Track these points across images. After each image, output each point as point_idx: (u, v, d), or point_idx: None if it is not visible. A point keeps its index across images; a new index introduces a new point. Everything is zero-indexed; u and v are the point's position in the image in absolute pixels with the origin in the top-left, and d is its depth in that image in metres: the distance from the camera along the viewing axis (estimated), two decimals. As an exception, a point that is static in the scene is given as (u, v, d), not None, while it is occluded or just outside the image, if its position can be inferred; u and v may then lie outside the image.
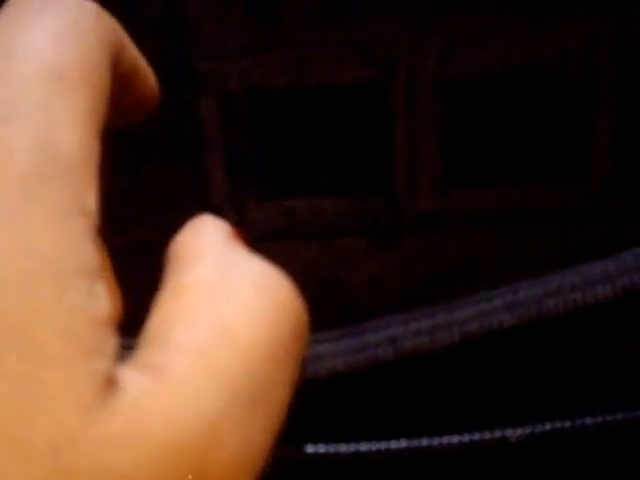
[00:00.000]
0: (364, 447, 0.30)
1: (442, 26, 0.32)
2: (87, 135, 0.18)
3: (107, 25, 0.22)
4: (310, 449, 0.30)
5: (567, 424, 0.28)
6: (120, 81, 0.22)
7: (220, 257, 0.18)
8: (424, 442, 0.29)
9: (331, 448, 0.30)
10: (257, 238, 0.34)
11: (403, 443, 0.30)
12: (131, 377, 0.16)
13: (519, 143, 0.33)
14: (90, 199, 0.17)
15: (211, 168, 0.34)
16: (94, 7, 0.22)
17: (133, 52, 0.23)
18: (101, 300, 0.16)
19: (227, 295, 0.18)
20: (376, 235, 0.34)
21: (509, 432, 0.28)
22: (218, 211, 0.34)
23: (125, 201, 0.34)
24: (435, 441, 0.29)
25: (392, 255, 0.34)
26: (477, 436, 0.29)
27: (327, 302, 0.34)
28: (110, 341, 0.16)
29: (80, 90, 0.19)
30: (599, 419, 0.28)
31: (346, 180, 0.34)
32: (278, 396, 0.18)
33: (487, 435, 0.28)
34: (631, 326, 0.28)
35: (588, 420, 0.28)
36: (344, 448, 0.30)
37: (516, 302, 0.28)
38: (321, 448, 0.30)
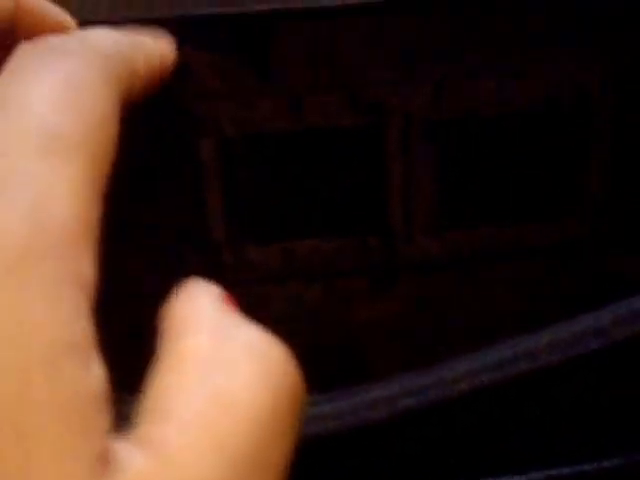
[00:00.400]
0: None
1: (433, 68, 0.32)
2: (85, 202, 0.18)
3: (117, 64, 0.21)
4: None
5: (566, 471, 0.28)
6: (135, 86, 0.22)
7: (215, 327, 0.19)
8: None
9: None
10: (256, 279, 0.34)
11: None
12: (130, 454, 0.16)
13: (514, 182, 0.34)
14: (86, 269, 0.17)
15: (210, 210, 0.34)
16: (100, 51, 0.21)
17: (152, 64, 0.23)
18: (95, 375, 0.16)
19: (224, 366, 0.18)
20: (374, 275, 0.34)
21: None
22: (217, 253, 0.34)
23: (123, 237, 0.35)
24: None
25: (390, 295, 0.34)
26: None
27: (327, 342, 0.34)
28: (106, 416, 0.16)
29: (79, 155, 0.19)
30: (598, 465, 0.28)
31: (344, 221, 0.34)
32: (278, 462, 0.18)
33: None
34: (626, 372, 0.29)
35: (586, 466, 0.28)
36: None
37: (507, 359, 0.28)
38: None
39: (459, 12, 0.31)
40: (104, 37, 0.22)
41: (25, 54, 0.21)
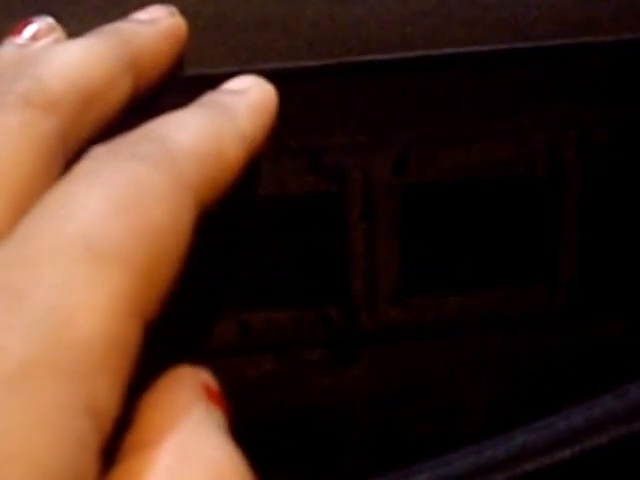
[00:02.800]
0: None
1: (396, 134, 0.31)
2: (121, 321, 0.16)
3: (195, 170, 0.20)
4: None
5: None
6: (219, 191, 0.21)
7: (183, 440, 0.17)
8: None
9: None
10: (212, 352, 0.33)
11: None
12: None
13: (481, 248, 0.32)
14: (103, 395, 0.15)
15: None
16: (177, 155, 0.20)
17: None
18: None
19: None
20: (334, 347, 0.32)
21: None
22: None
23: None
24: None
25: (351, 367, 0.33)
26: None
27: (284, 416, 0.33)
28: None
29: (126, 267, 0.16)
30: None
31: (302, 291, 0.32)
32: None
33: None
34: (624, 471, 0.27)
35: None
36: None
37: (494, 463, 0.26)
38: None
39: (425, 77, 0.30)
40: (184, 137, 0.20)
41: (93, 157, 0.19)
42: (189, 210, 0.19)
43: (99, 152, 0.19)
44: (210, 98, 0.25)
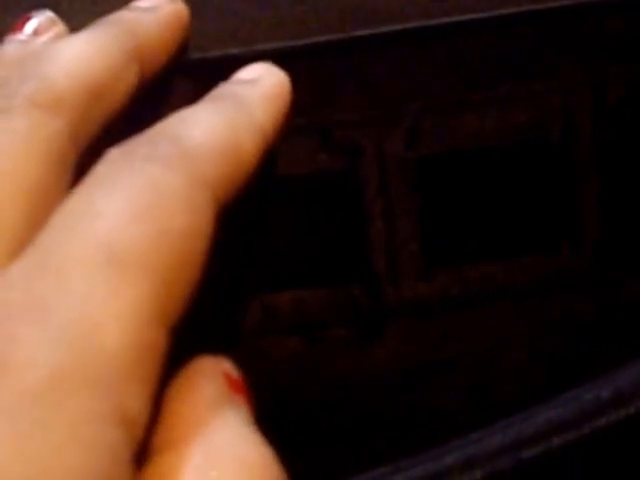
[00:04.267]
0: None
1: (409, 105, 0.30)
2: (146, 328, 0.16)
3: (212, 167, 0.19)
4: None
5: None
6: (236, 187, 0.21)
7: (210, 437, 0.17)
8: None
9: None
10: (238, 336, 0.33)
11: None
12: None
13: (501, 217, 0.32)
14: (134, 405, 0.15)
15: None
16: (193, 153, 0.19)
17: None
18: None
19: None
20: (360, 325, 0.32)
21: None
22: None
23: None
24: None
25: (377, 344, 0.32)
26: None
27: (314, 396, 0.33)
28: None
29: (148, 273, 0.16)
30: None
31: (324, 271, 0.32)
32: None
33: None
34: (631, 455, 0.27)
35: None
36: None
37: (500, 448, 0.26)
38: None
39: (436, 46, 0.30)
40: (199, 134, 0.20)
41: (108, 161, 0.19)
42: (209, 210, 0.19)
43: (114, 155, 0.19)
44: (222, 90, 0.25)
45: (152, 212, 0.17)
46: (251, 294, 0.31)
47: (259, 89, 0.25)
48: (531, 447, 0.26)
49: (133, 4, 0.27)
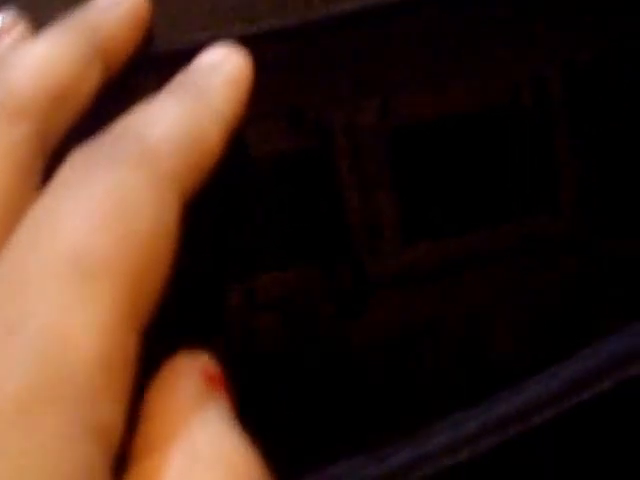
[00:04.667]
0: None
1: (377, 81, 0.30)
2: (117, 337, 0.16)
3: (175, 162, 0.19)
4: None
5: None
6: (199, 179, 0.21)
7: (192, 438, 0.17)
8: None
9: None
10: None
11: None
12: None
13: (477, 185, 0.32)
14: (109, 414, 0.15)
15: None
16: (155, 149, 0.19)
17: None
18: None
19: None
20: (343, 300, 0.32)
21: None
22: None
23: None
24: None
25: (362, 318, 0.32)
26: None
27: (300, 372, 0.33)
28: None
29: (116, 281, 0.16)
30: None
31: (304, 251, 0.32)
32: None
33: None
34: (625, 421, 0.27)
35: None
36: None
37: (490, 425, 0.26)
38: None
39: (401, 21, 0.30)
40: (160, 130, 0.20)
41: (71, 166, 0.19)
42: (174, 206, 0.19)
43: (76, 160, 0.19)
44: (182, 79, 0.25)
45: (118, 218, 0.17)
46: (231, 278, 0.31)
47: (219, 75, 0.25)
48: (515, 425, 0.26)
49: (93, 2, 0.27)
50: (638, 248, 0.33)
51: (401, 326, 0.33)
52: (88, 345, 0.15)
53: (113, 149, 0.19)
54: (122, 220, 0.17)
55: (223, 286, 0.31)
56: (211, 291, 0.31)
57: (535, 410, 0.26)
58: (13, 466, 0.14)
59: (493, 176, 0.32)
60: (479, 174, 0.32)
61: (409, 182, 0.32)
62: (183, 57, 0.27)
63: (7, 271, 0.16)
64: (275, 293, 0.32)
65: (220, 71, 0.25)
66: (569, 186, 0.32)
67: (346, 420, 0.33)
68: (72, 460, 0.14)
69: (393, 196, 0.32)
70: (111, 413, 0.16)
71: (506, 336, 0.32)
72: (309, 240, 0.32)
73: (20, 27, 0.27)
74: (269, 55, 0.29)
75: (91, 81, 0.24)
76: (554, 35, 0.31)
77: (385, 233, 0.32)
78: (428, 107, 0.31)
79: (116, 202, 0.17)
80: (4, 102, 0.21)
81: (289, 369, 0.32)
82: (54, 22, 0.27)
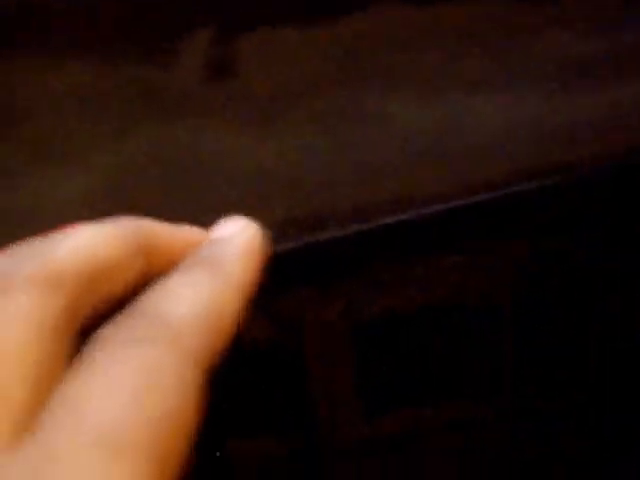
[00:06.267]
0: None
1: (344, 282, 0.34)
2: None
3: (199, 341, 0.20)
4: None
5: None
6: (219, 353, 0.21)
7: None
8: None
9: None
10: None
11: None
12: None
13: (431, 368, 0.36)
14: None
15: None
16: (182, 332, 0.20)
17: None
18: None
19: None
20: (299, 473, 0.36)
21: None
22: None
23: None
24: None
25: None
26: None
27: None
28: None
29: (142, 455, 0.17)
30: None
31: (269, 422, 0.36)
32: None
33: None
34: None
35: None
36: None
37: None
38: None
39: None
40: (181, 308, 0.21)
41: (98, 345, 0.19)
42: (198, 382, 0.19)
43: (103, 338, 0.19)
44: (200, 255, 0.24)
45: (146, 397, 0.18)
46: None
47: (234, 247, 0.24)
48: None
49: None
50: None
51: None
52: None
53: (138, 329, 0.20)
54: (151, 399, 0.18)
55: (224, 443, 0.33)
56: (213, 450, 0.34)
57: None
58: None
59: (445, 361, 0.36)
60: (433, 359, 0.36)
61: (370, 364, 0.36)
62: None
63: (40, 445, 0.17)
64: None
65: (235, 243, 0.25)
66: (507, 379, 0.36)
67: None
68: None
69: (353, 376, 0.36)
70: None
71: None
72: (273, 413, 0.36)
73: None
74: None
75: (130, 272, 0.23)
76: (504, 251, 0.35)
77: (344, 407, 0.36)
78: (384, 307, 0.35)
79: (144, 380, 0.18)
80: (42, 273, 0.21)
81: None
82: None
